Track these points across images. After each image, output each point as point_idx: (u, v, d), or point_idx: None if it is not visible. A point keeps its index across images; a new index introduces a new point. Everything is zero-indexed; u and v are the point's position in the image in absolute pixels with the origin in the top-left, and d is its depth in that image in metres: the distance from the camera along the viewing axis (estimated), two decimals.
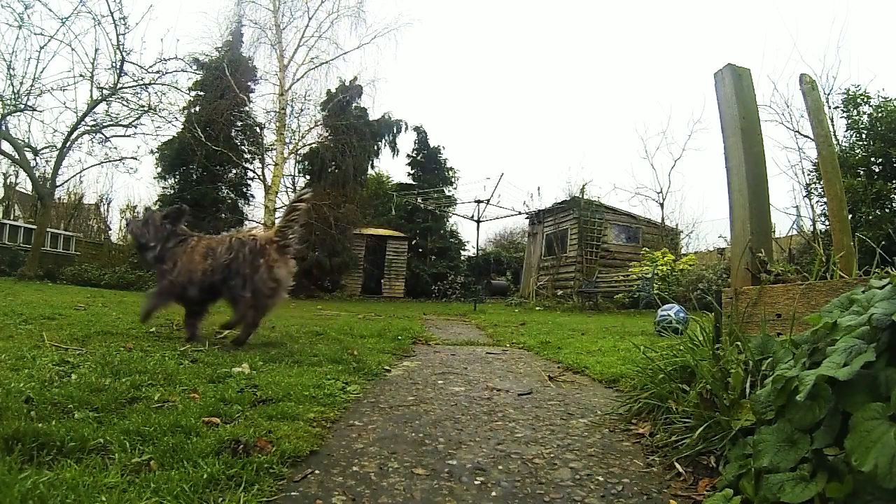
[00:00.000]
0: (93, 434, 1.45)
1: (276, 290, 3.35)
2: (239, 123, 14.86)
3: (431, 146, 20.28)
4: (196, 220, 13.77)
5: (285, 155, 14.18)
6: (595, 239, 14.77)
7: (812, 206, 9.40)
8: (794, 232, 9.68)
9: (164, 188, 14.95)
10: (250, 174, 15.46)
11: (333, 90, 16.10)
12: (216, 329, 4.04)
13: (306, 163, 16.65)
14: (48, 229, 13.36)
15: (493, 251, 23.55)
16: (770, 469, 1.11)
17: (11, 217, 16.32)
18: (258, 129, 14.98)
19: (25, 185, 17.09)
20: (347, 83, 16.32)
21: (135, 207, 19.24)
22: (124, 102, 12.69)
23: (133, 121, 12.89)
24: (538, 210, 16.81)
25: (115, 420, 1.63)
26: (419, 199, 18.61)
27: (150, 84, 12.62)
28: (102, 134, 12.94)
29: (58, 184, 13.61)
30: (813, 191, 9.28)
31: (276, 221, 13.57)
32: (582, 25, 48.68)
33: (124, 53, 11.92)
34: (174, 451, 1.40)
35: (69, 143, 12.38)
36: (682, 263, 12.12)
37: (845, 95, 8.65)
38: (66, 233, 15.58)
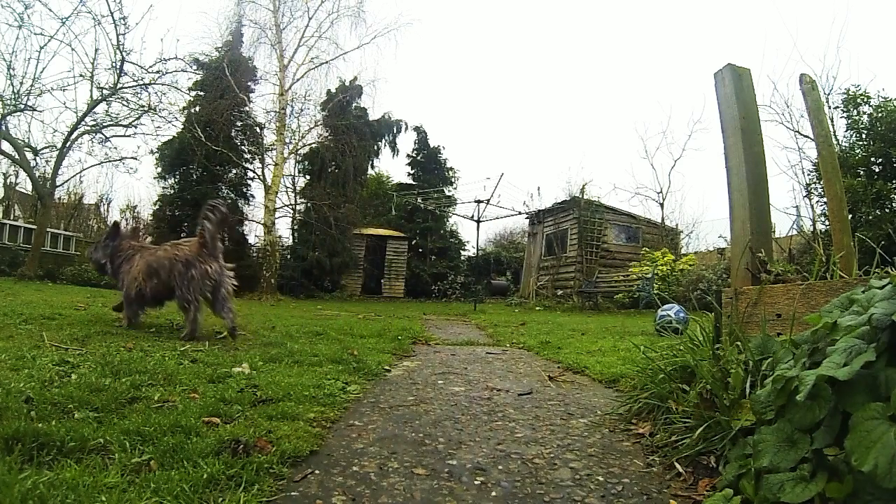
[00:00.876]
0: (93, 434, 1.45)
1: (218, 285, 3.76)
2: (239, 123, 14.84)
3: (431, 146, 20.27)
4: (196, 221, 13.81)
5: (285, 155, 14.18)
6: (595, 239, 14.76)
7: (812, 206, 9.40)
8: (794, 232, 9.67)
9: (164, 188, 14.95)
10: (250, 174, 15.46)
11: (333, 90, 16.11)
12: (215, 329, 4.05)
13: (306, 163, 16.67)
14: (48, 229, 13.35)
15: (493, 251, 23.54)
16: (770, 469, 1.11)
17: (11, 217, 16.31)
18: (258, 129, 14.98)
19: (25, 185, 17.10)
20: (347, 83, 16.33)
21: (135, 207, 19.25)
22: (124, 102, 12.68)
23: (133, 121, 12.87)
24: (538, 210, 16.81)
25: (115, 420, 1.63)
26: (419, 199, 18.60)
27: (150, 84, 12.60)
28: (102, 134, 12.92)
29: (58, 184, 13.58)
30: (813, 191, 9.28)
31: (274, 221, 13.55)
32: (582, 25, 48.72)
33: (124, 53, 11.91)
34: (174, 451, 1.40)
35: (69, 143, 12.36)
36: (682, 263, 12.12)
37: (845, 95, 8.65)
38: (66, 233, 15.57)
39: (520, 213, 17.12)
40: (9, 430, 1.37)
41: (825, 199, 7.22)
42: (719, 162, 2.34)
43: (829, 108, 9.00)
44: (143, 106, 12.72)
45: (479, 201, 14.79)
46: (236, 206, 15.32)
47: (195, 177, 14.52)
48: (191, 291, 3.61)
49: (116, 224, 4.23)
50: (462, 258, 20.70)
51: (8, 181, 17.56)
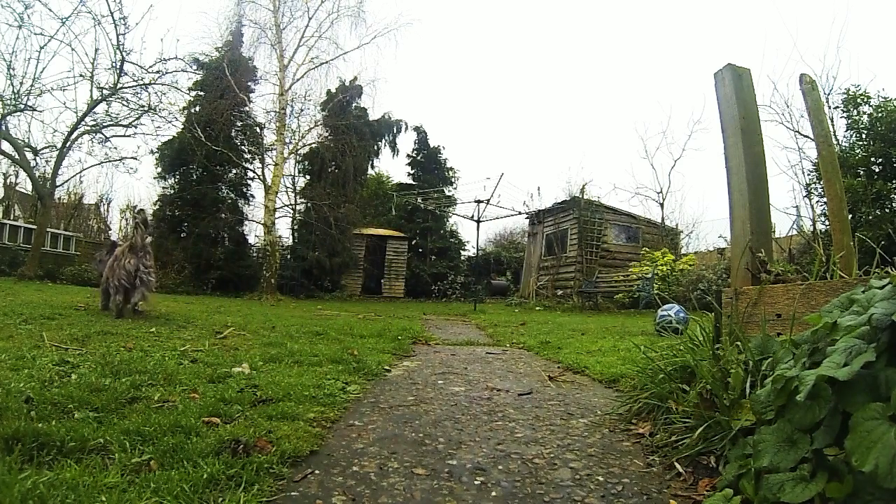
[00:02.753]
0: (93, 434, 1.45)
1: (133, 277, 4.61)
2: (239, 123, 14.81)
3: (431, 146, 20.25)
4: (196, 220, 13.82)
5: (285, 155, 14.16)
6: (595, 239, 14.76)
7: (812, 206, 9.39)
8: (794, 232, 9.67)
9: (164, 188, 14.89)
10: (250, 174, 15.41)
11: (333, 90, 16.09)
12: (215, 329, 4.05)
13: (306, 163, 16.65)
14: (48, 229, 13.33)
15: (493, 251, 23.52)
16: (770, 469, 1.11)
17: (11, 217, 16.29)
18: (258, 129, 14.95)
19: (25, 185, 17.07)
20: (347, 83, 16.31)
21: (135, 207, 19.23)
22: (124, 102, 12.66)
23: (133, 121, 12.86)
24: (538, 210, 16.80)
25: (115, 420, 1.63)
26: (419, 199, 18.59)
27: (150, 84, 12.59)
28: (102, 134, 12.91)
29: (58, 184, 13.56)
30: (813, 191, 9.27)
31: (270, 222, 13.56)
32: (582, 25, 48.69)
33: (124, 53, 11.90)
34: (174, 451, 1.40)
35: (69, 143, 12.35)
36: (682, 263, 12.11)
37: (845, 95, 8.64)
38: (66, 233, 15.55)
39: (520, 213, 17.12)
40: (9, 430, 1.37)
41: (825, 199, 7.22)
42: (719, 162, 2.34)
43: (829, 108, 9.00)
44: (143, 106, 12.71)
45: (479, 201, 14.78)
46: (236, 206, 15.30)
47: (195, 177, 14.48)
48: (115, 279, 4.58)
49: (114, 243, 5.36)
50: (462, 258, 20.68)
51: (8, 181, 17.57)
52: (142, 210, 5.58)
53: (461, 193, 20.28)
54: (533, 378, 3.03)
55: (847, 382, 1.03)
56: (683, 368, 1.96)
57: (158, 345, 3.21)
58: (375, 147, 18.57)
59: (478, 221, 15.08)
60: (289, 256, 16.27)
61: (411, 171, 20.42)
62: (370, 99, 19.44)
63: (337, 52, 14.50)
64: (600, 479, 1.47)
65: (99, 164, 13.84)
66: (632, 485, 1.44)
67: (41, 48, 11.56)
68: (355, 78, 16.23)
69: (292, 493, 1.29)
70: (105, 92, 12.19)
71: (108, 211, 20.51)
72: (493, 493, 1.36)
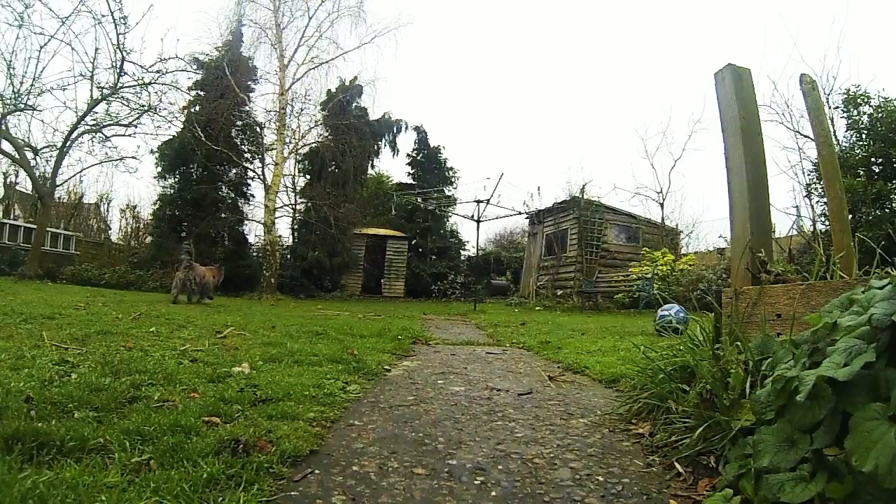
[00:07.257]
0: (93, 434, 1.45)
1: (190, 283, 8.10)
2: (239, 123, 14.79)
3: (431, 146, 20.24)
4: (196, 220, 13.82)
5: (285, 155, 14.16)
6: (595, 239, 14.75)
7: (812, 206, 9.39)
8: (794, 232, 9.67)
9: (164, 188, 14.87)
10: (250, 174, 15.39)
11: (333, 90, 16.09)
12: (215, 329, 4.05)
13: (306, 163, 16.64)
14: (48, 229, 13.32)
15: (493, 251, 23.52)
16: (770, 469, 1.11)
17: (11, 217, 16.27)
18: (258, 129, 14.93)
19: (25, 184, 17.04)
20: (347, 83, 16.31)
21: (135, 207, 19.20)
22: (124, 102, 12.66)
23: (133, 120, 12.86)
24: (538, 210, 16.80)
25: (115, 420, 1.63)
26: (419, 199, 18.59)
27: (150, 84, 12.59)
28: (102, 133, 12.90)
29: (58, 183, 13.56)
30: (813, 191, 9.27)
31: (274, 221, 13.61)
32: (582, 25, 48.66)
33: (124, 53, 11.90)
34: (174, 450, 1.40)
35: (69, 142, 12.35)
36: (682, 263, 12.10)
37: (845, 95, 8.64)
38: (66, 232, 15.53)
39: (520, 213, 17.14)
40: (9, 429, 1.37)
41: (825, 199, 7.23)
42: (719, 162, 2.34)
43: (830, 108, 8.99)
44: (143, 105, 12.71)
45: (479, 201, 14.80)
46: (236, 206, 15.29)
47: (195, 176, 14.46)
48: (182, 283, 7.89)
49: (191, 263, 8.07)
50: (462, 258, 20.67)
51: (8, 181, 17.54)
52: (188, 243, 8.84)
53: (461, 193, 20.30)
54: (533, 378, 3.03)
55: (847, 383, 1.03)
56: (683, 368, 1.96)
57: (158, 344, 3.21)
58: (375, 147, 18.57)
59: (478, 221, 15.09)
60: (289, 256, 16.26)
61: (411, 171, 20.41)
62: (370, 99, 19.43)
63: (337, 52, 14.52)
64: (600, 478, 1.47)
65: (99, 163, 13.84)
66: (632, 485, 1.44)
67: (41, 48, 11.57)
68: (355, 78, 16.24)
69: (292, 493, 1.29)
70: (105, 91, 12.20)
71: (108, 211, 20.47)
72: (493, 493, 1.36)
